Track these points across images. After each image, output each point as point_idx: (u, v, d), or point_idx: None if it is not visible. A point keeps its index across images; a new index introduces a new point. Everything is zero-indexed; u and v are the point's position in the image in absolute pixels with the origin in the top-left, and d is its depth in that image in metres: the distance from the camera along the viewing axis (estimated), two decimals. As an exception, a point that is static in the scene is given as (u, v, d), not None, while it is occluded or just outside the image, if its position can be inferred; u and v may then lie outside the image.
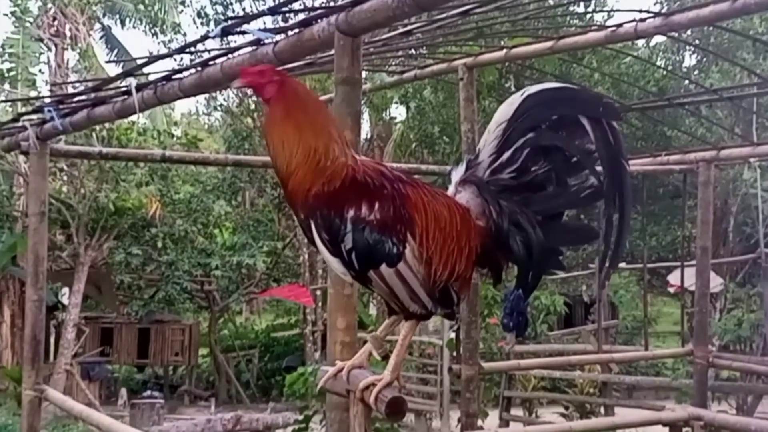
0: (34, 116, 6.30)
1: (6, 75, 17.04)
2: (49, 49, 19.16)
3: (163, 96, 5.15)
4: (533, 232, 2.28)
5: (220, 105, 22.59)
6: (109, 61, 20.74)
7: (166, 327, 19.15)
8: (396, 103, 21.00)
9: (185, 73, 4.95)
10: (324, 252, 2.26)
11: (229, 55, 4.52)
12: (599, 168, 2.24)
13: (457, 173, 2.41)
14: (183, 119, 35.59)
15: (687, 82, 18.81)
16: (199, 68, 4.75)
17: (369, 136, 21.66)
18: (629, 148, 17.25)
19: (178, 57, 8.23)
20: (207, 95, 21.89)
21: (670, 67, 20.36)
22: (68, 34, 19.53)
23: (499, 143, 2.31)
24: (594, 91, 2.59)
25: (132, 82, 5.08)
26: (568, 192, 2.30)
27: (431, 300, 2.28)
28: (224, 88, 5.96)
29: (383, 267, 2.22)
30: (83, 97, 5.81)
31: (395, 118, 22.41)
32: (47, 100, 6.52)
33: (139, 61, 5.21)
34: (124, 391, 17.24)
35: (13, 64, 17.38)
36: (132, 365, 20.25)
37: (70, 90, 6.80)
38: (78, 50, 19.25)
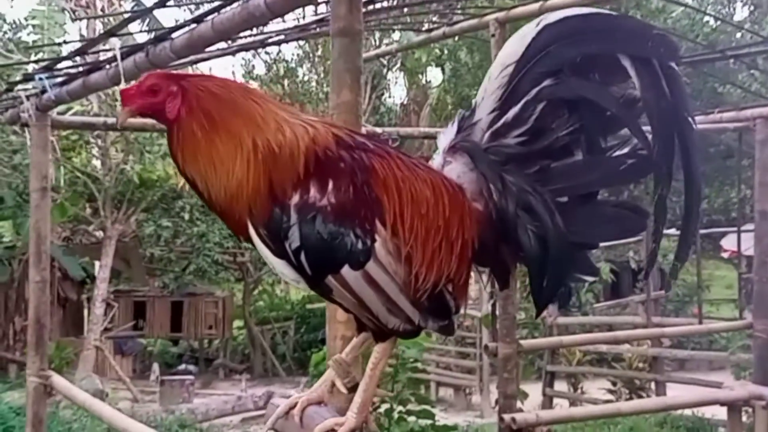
0: (29, 86, 5.91)
1: (31, 46, 16.67)
2: (77, 20, 18.73)
3: (156, 59, 4.62)
4: (550, 221, 1.66)
5: (255, 74, 22.02)
6: (131, 14, 20.17)
7: (199, 300, 18.81)
8: (431, 65, 20.33)
9: (177, 34, 4.44)
10: (265, 253, 1.66)
11: (221, 11, 4.01)
12: (649, 129, 1.61)
13: (446, 137, 1.78)
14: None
15: (739, 35, 17.91)
16: (190, 26, 4.25)
17: (404, 101, 21.03)
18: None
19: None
20: (244, 64, 21.34)
21: (720, 21, 19.42)
22: (98, 4, 19.11)
23: (503, 95, 1.68)
24: (636, 18, 1.81)
25: (116, 44, 4.52)
26: (601, 163, 1.68)
27: (418, 310, 1.68)
28: (218, 56, 5.43)
29: (345, 270, 1.63)
30: (71, 63, 5.32)
31: (430, 81, 21.73)
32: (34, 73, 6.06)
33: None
34: (156, 366, 17.00)
35: (38, 36, 16.99)
36: (165, 339, 20.02)
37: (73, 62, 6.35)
38: (107, 22, 18.80)
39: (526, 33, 1.66)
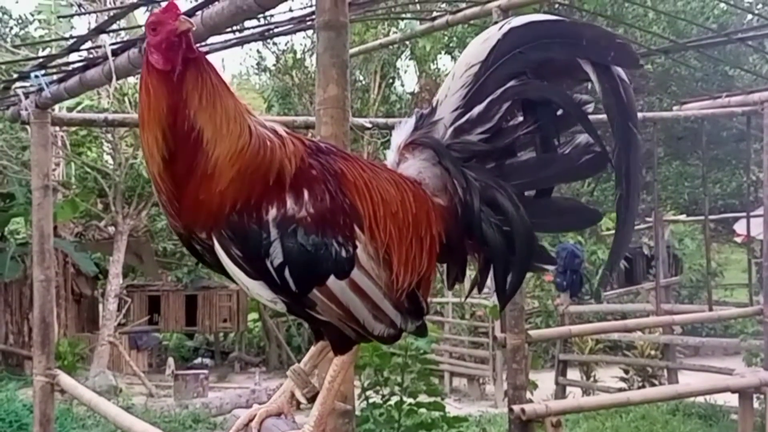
0: (27, 83, 5.89)
1: (25, 44, 16.69)
2: (85, 13, 18.70)
3: (150, 55, 4.59)
4: (516, 213, 1.69)
5: (264, 66, 21.93)
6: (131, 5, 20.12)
7: (214, 293, 18.72)
8: (440, 53, 20.23)
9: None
10: (239, 276, 1.59)
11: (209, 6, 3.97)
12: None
13: (401, 134, 1.78)
14: (234, 80, 35.87)
15: (750, 17, 17.70)
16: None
17: (414, 90, 20.93)
18: (688, 90, 16.36)
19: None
20: (257, 56, 21.22)
21: (731, 2, 19.19)
22: (106, -2, 19.06)
23: (468, 93, 1.71)
24: (600, 27, 2.06)
25: (106, 40, 4.49)
26: (559, 160, 1.73)
27: (400, 313, 1.68)
28: (218, 50, 5.39)
29: (331, 280, 1.59)
30: (64, 60, 5.30)
31: (440, 69, 21.63)
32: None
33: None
34: (171, 361, 16.98)
35: (45, 31, 17.02)
36: (181, 333, 20.02)
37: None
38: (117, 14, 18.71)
39: (491, 35, 1.72)
